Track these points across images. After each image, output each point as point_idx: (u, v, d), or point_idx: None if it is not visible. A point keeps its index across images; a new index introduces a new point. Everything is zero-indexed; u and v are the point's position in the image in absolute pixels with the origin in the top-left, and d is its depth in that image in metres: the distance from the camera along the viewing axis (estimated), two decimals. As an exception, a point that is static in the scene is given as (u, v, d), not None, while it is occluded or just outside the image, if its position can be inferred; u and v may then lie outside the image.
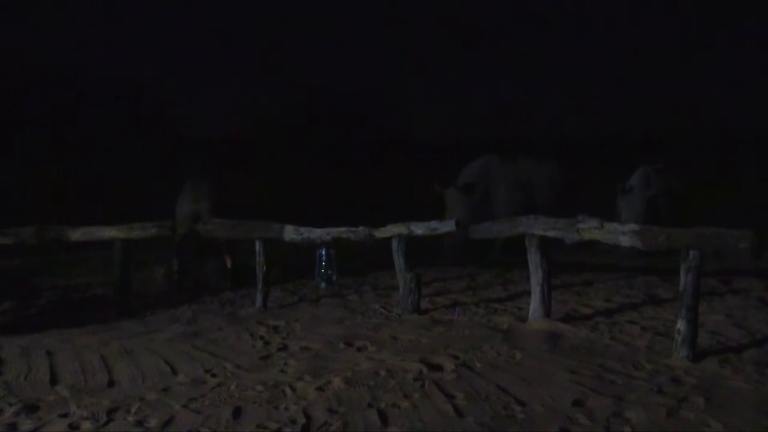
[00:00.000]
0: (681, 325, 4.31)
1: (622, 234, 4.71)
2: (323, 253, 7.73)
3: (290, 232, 6.63)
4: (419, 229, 6.13)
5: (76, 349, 5.16)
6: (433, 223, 6.11)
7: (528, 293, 5.53)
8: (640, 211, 8.99)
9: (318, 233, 6.62)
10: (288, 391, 3.98)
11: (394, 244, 6.19)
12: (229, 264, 7.97)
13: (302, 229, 6.62)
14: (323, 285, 7.64)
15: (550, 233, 5.26)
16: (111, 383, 4.38)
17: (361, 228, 6.42)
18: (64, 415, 3.76)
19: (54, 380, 4.47)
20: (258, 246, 6.72)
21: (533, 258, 5.38)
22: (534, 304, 5.38)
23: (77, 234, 7.08)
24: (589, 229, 4.96)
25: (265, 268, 6.68)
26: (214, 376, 4.39)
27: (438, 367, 4.27)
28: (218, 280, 7.96)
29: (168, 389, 4.14)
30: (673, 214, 8.83)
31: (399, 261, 6.18)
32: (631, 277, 7.20)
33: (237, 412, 3.68)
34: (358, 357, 4.65)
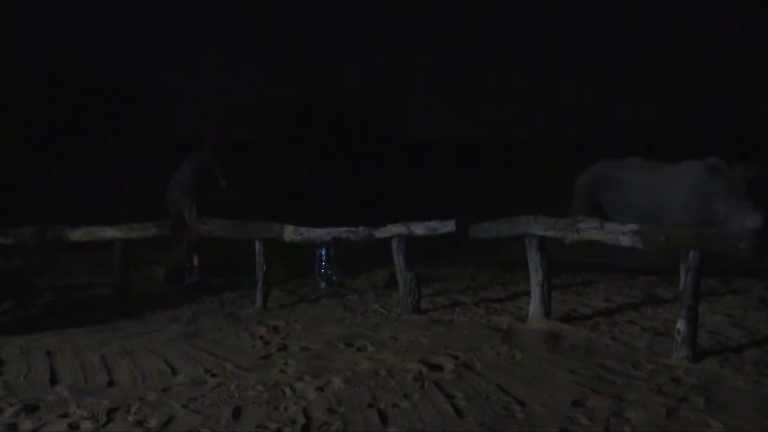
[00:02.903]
0: (681, 325, 4.31)
1: (622, 234, 4.71)
2: (323, 253, 7.73)
3: (290, 232, 6.63)
4: (419, 229, 6.14)
5: (76, 349, 5.16)
6: (433, 223, 6.10)
7: (528, 293, 5.53)
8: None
9: (318, 233, 6.62)
10: (288, 391, 3.98)
11: (394, 244, 6.19)
12: (195, 262, 7.96)
13: (302, 229, 6.62)
14: (323, 285, 7.64)
15: (550, 233, 5.26)
16: (111, 383, 4.38)
17: (361, 228, 6.42)
18: (64, 415, 3.76)
19: (54, 380, 4.47)
20: (258, 246, 6.72)
21: (533, 258, 5.38)
22: (534, 304, 5.39)
23: (77, 234, 7.07)
24: (589, 229, 4.97)
25: (265, 268, 6.68)
26: (214, 376, 4.39)
27: (438, 367, 4.27)
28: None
29: (168, 389, 4.14)
30: None
31: (399, 261, 6.19)
32: (631, 277, 7.20)
33: (237, 412, 3.68)
34: (358, 357, 4.65)
